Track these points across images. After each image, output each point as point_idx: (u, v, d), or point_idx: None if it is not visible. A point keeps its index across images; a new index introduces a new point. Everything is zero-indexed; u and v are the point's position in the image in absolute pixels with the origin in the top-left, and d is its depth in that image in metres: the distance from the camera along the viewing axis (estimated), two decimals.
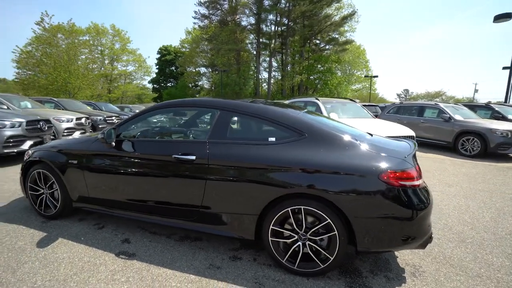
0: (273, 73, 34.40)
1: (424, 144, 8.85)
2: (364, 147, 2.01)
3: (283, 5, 27.76)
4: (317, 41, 31.18)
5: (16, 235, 2.60)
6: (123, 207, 2.58)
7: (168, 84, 43.07)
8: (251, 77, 32.92)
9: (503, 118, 8.48)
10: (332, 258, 1.94)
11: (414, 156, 2.19)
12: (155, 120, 2.82)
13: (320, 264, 1.98)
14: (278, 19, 29.17)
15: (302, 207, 1.95)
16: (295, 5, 26.99)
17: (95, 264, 2.18)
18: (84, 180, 2.69)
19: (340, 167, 1.89)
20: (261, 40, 30.83)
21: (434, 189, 4.38)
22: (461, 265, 2.25)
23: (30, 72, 16.33)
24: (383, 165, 1.86)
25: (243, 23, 30.67)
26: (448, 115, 7.93)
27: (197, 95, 38.45)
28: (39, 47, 16.51)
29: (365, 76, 29.33)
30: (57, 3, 78.90)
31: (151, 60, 59.85)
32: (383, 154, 1.96)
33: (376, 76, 27.20)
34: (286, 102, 8.55)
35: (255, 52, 31.16)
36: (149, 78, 42.67)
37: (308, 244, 2.00)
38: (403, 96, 54.38)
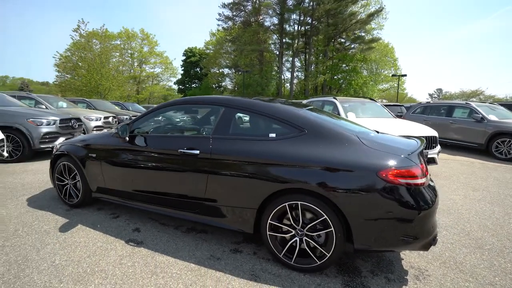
0: (297, 73, 34.12)
1: (453, 147, 8.29)
2: (365, 144, 1.96)
3: (307, 4, 27.40)
4: (342, 40, 30.34)
5: (43, 220, 2.88)
6: (135, 198, 2.75)
7: (193, 85, 44.44)
8: (274, 77, 32.89)
9: None
10: (328, 255, 1.93)
11: (421, 154, 2.09)
12: (167, 117, 2.97)
13: (317, 260, 1.97)
14: (302, 18, 28.85)
15: (299, 202, 1.96)
16: (319, 4, 26.51)
17: (106, 249, 2.36)
18: (101, 172, 2.91)
19: (337, 163, 1.87)
20: (284, 40, 30.70)
21: (456, 193, 4.11)
22: (473, 271, 2.12)
23: (67, 76, 17.82)
24: (383, 162, 1.81)
25: (266, 24, 30.77)
26: (481, 115, 7.35)
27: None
28: (76, 52, 17.98)
29: (392, 75, 27.97)
30: (91, 8, 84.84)
31: (177, 62, 62.37)
32: (384, 151, 1.91)
33: (405, 75, 25.75)
34: (305, 101, 8.48)
35: (277, 53, 31.08)
36: (175, 79, 44.41)
37: (305, 240, 2.00)
38: (435, 96, 50.99)
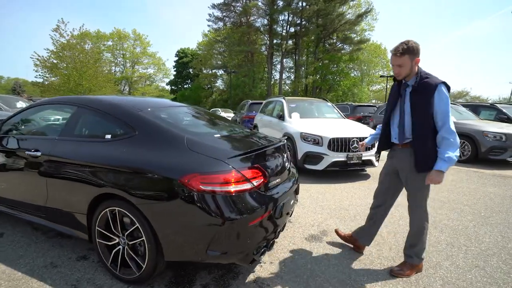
0: (288, 74, 33.99)
1: None
2: (188, 147, 1.77)
3: (295, 5, 27.29)
4: (333, 40, 30.20)
5: None
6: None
7: (185, 86, 44.28)
8: (264, 78, 32.74)
9: (508, 120, 7.50)
10: (144, 266, 1.78)
11: (258, 156, 1.92)
12: (34, 118, 2.83)
13: (136, 271, 1.83)
14: (290, 19, 28.75)
15: (116, 208, 1.83)
16: (308, 5, 26.41)
17: None
18: None
19: (146, 168, 1.73)
20: (274, 41, 30.60)
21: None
22: (320, 285, 1.96)
23: (47, 76, 17.66)
24: (190, 166, 1.65)
25: (257, 24, 30.64)
26: None
27: (212, 97, 39.13)
28: (55, 51, 17.73)
29: (380, 76, 27.81)
30: (78, 7, 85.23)
31: (170, 62, 62.09)
32: (204, 155, 1.72)
33: (391, 76, 25.45)
34: (264, 101, 8.36)
35: (266, 53, 31.00)
36: (168, 80, 44.35)
37: (127, 249, 1.86)
38: None
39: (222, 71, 36.42)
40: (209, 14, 31.55)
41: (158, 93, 41.19)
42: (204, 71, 37.93)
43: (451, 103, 8.33)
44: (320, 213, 3.28)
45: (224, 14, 30.81)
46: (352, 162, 4.62)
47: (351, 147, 4.61)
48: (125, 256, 1.86)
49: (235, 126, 2.73)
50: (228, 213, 1.60)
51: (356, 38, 27.63)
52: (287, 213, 2.13)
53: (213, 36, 33.82)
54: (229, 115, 20.03)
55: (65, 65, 17.51)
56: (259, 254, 1.76)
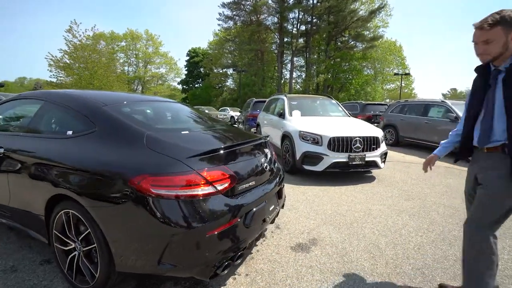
0: (300, 73, 33.47)
1: (427, 148, 7.59)
2: (146, 144, 1.58)
3: (306, 2, 26.76)
4: (345, 38, 29.41)
5: None
6: None
7: (196, 85, 44.63)
8: (274, 76, 32.38)
9: None
10: (97, 276, 1.60)
11: (227, 156, 1.69)
12: (7, 114, 2.72)
13: (90, 280, 1.65)
14: (301, 17, 28.24)
15: (70, 211, 1.66)
16: (320, 2, 25.83)
17: None
18: None
19: (99, 167, 1.56)
20: (284, 39, 30.19)
21: (382, 203, 3.63)
22: None
23: (62, 76, 18.18)
24: (141, 166, 1.46)
25: (267, 23, 30.35)
26: (455, 114, 6.68)
27: (222, 96, 39.16)
28: (79, 53, 18.20)
29: (395, 74, 26.72)
30: (97, 7, 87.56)
31: (181, 62, 62.54)
32: (161, 154, 1.52)
33: (408, 74, 24.51)
34: (267, 99, 8.12)
35: (276, 52, 30.64)
36: (179, 79, 44.90)
37: (82, 255, 1.69)
38: (449, 96, 48.64)
39: (232, 70, 36.36)
40: (219, 13, 31.60)
41: (170, 92, 41.69)
42: (215, 70, 38.04)
43: (457, 100, 7.70)
44: (313, 219, 3.01)
45: (234, 13, 30.68)
46: (354, 163, 4.30)
47: (353, 147, 4.29)
48: (80, 263, 1.69)
49: (217, 123, 2.52)
50: (182, 220, 1.39)
51: (369, 35, 26.76)
52: (264, 220, 1.89)
53: (223, 35, 33.78)
54: (237, 113, 19.94)
55: (77, 65, 17.94)
56: (222, 268, 1.53)
